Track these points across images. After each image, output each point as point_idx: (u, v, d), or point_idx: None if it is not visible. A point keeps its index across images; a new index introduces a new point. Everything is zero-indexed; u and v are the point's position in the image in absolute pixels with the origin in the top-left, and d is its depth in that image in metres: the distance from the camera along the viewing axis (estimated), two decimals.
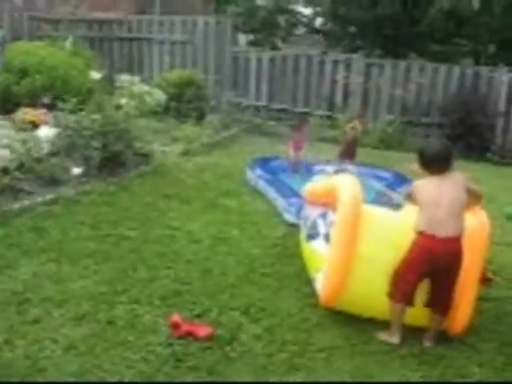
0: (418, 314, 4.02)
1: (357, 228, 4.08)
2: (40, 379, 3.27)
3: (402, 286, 3.94)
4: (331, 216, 4.46)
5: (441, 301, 3.96)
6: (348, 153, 8.01)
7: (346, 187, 4.31)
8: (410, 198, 4.12)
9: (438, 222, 3.83)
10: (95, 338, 3.66)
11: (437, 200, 3.87)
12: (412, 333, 4.01)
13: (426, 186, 3.97)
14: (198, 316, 4.03)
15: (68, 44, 11.21)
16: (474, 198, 4.04)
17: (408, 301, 3.94)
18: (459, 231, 3.86)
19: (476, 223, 4.11)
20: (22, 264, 4.61)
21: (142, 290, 4.32)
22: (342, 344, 3.88)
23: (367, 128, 8.79)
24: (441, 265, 3.84)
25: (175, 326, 3.75)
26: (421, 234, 3.90)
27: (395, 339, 3.94)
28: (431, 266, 3.86)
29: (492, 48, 14.07)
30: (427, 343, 3.97)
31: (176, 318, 3.81)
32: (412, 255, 3.92)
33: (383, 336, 3.99)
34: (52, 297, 4.12)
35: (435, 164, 3.95)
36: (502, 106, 11.18)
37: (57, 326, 3.78)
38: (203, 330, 3.75)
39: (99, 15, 12.97)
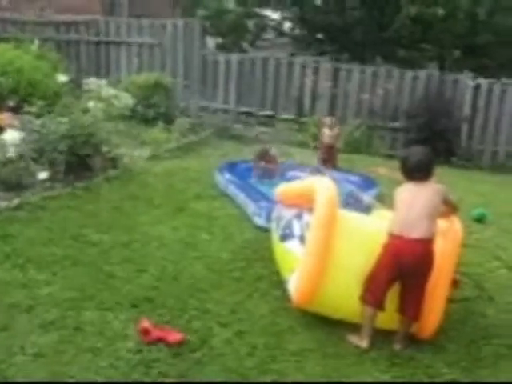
0: (389, 317, 4.05)
1: (332, 230, 4.10)
2: None
3: (373, 290, 3.97)
4: (306, 217, 4.48)
5: (411, 306, 3.99)
6: (328, 158, 8.09)
7: (323, 189, 4.33)
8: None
9: (409, 223, 3.89)
10: (63, 345, 3.61)
11: (410, 203, 3.95)
12: (382, 335, 4.05)
13: (403, 190, 4.08)
14: (168, 322, 3.99)
15: (34, 46, 11.05)
16: (450, 208, 4.15)
17: (379, 305, 3.97)
18: (430, 234, 3.91)
19: (449, 228, 4.18)
20: None
21: (110, 296, 4.27)
22: (313, 347, 3.90)
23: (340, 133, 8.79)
24: (410, 266, 3.88)
25: (145, 331, 3.72)
26: (392, 235, 3.95)
27: (364, 343, 3.96)
28: (401, 267, 3.89)
29: (457, 53, 14.31)
30: (397, 346, 4.01)
31: (146, 323, 3.78)
32: (383, 257, 3.97)
33: (353, 339, 4.01)
34: (19, 303, 4.04)
35: (415, 172, 4.04)
36: (466, 110, 11.37)
37: (24, 333, 3.71)
38: (173, 336, 3.72)
39: (66, 17, 12.80)
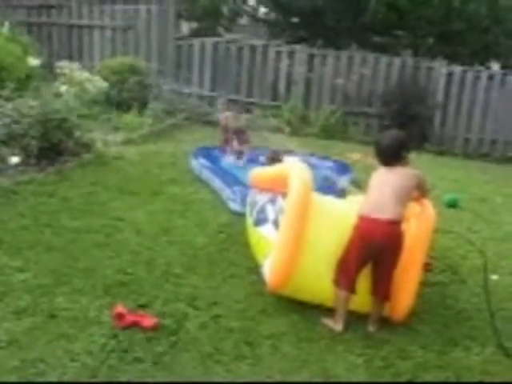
0: (363, 300, 4.08)
1: (306, 215, 4.10)
2: None
3: (345, 272, 4.00)
4: (280, 202, 4.48)
5: (381, 286, 4.05)
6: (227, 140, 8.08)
7: (297, 174, 4.32)
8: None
9: (379, 204, 3.93)
10: (37, 332, 3.56)
11: (382, 184, 4.00)
12: (357, 318, 4.08)
13: (378, 173, 4.11)
14: (143, 306, 3.97)
15: (5, 29, 10.83)
16: (422, 193, 4.21)
17: (351, 287, 4.00)
18: (399, 217, 3.94)
19: (421, 212, 4.22)
20: None
21: (84, 281, 4.23)
22: (288, 331, 3.91)
23: (239, 117, 8.55)
24: (380, 247, 3.91)
25: (119, 316, 3.69)
26: (361, 217, 4.00)
27: (338, 326, 3.99)
28: (371, 248, 3.93)
29: (430, 40, 14.36)
30: (371, 328, 4.05)
31: (120, 308, 3.75)
32: (353, 239, 4.00)
33: (327, 322, 4.04)
34: None
35: (383, 156, 4.08)
36: (440, 97, 11.46)
37: None
38: (148, 321, 3.70)
39: (38, 0, 12.56)
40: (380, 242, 3.91)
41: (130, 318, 3.68)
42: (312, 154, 8.22)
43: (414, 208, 4.22)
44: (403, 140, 4.16)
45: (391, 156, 4.06)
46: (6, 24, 11.10)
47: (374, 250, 3.95)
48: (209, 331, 3.78)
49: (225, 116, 8.33)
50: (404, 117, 10.71)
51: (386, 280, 4.04)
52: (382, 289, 4.05)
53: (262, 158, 7.14)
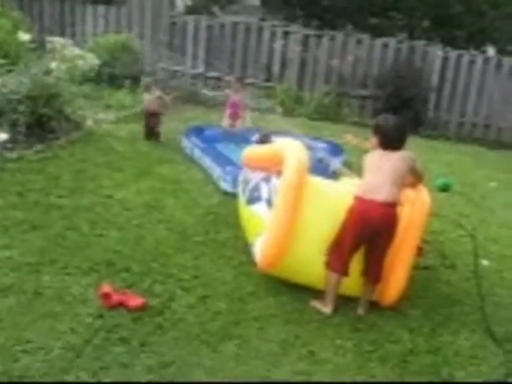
0: (352, 283, 4.05)
1: (301, 194, 4.04)
2: None
3: (338, 254, 3.96)
4: (275, 180, 4.42)
5: (374, 268, 4.02)
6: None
7: (293, 152, 4.24)
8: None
9: (375, 186, 3.90)
10: (22, 310, 3.51)
11: (377, 167, 3.96)
12: (346, 301, 4.05)
13: (373, 155, 4.06)
14: (130, 286, 3.93)
15: None
16: (416, 177, 4.16)
17: (344, 270, 3.96)
18: (394, 199, 3.91)
19: (416, 197, 4.17)
20: None
21: (71, 260, 4.18)
22: (276, 312, 3.88)
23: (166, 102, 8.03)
24: (374, 228, 3.88)
25: (105, 296, 3.65)
26: (357, 198, 3.96)
27: (327, 309, 3.96)
28: (365, 229, 3.89)
29: (426, 23, 14.26)
30: (360, 311, 4.03)
31: (106, 288, 3.70)
32: (348, 221, 3.96)
33: (316, 304, 4.01)
34: None
35: (394, 142, 4.01)
36: (435, 80, 11.39)
37: None
38: (135, 300, 3.66)
39: None
40: (375, 224, 3.88)
41: (116, 298, 3.63)
42: (304, 135, 8.15)
43: (408, 193, 4.17)
44: (405, 124, 4.16)
45: (398, 140, 4.02)
46: None
47: (368, 232, 3.91)
48: (196, 312, 3.74)
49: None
50: (398, 99, 10.63)
51: (379, 262, 4.01)
52: (375, 271, 4.03)
53: (253, 138, 7.06)
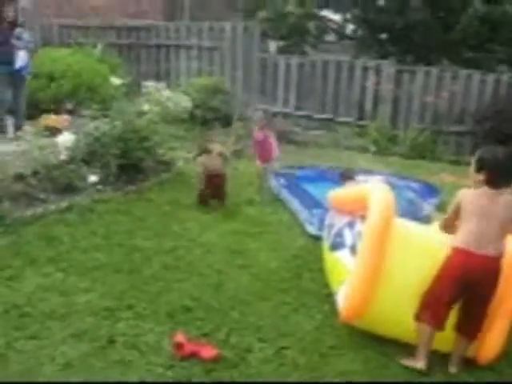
0: (445, 338, 3.69)
1: (386, 241, 3.78)
2: None
3: (433, 308, 3.62)
4: (359, 226, 4.19)
5: (471, 324, 3.65)
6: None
7: (379, 196, 4.01)
8: (454, 207, 3.70)
9: (481, 237, 3.51)
10: (94, 357, 3.45)
11: (486, 212, 3.52)
12: (436, 357, 3.70)
13: (479, 196, 3.58)
14: (206, 335, 3.78)
15: (97, 51, 11.17)
16: None
17: (439, 324, 3.62)
18: (501, 251, 3.53)
19: None
20: (27, 274, 4.46)
21: (148, 306, 4.10)
22: (359, 369, 3.60)
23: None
24: (476, 284, 3.52)
25: (179, 345, 3.52)
26: (458, 249, 3.58)
27: (421, 365, 3.62)
28: (466, 284, 3.54)
29: None
30: (452, 369, 3.66)
31: (180, 337, 3.58)
32: (445, 272, 3.61)
33: (407, 362, 3.67)
34: (54, 311, 3.94)
35: (499, 177, 3.57)
36: None
37: (56, 342, 3.59)
38: (208, 351, 3.50)
39: (128, 22, 12.90)
40: (478, 278, 3.51)
41: (189, 348, 3.49)
42: (394, 175, 7.82)
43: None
44: None
45: (508, 176, 3.59)
46: (99, 46, 11.48)
47: (469, 286, 3.55)
48: (273, 366, 3.53)
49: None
50: (498, 135, 10.04)
51: (478, 318, 3.64)
52: (472, 327, 3.65)
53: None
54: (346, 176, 6.13)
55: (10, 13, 7.74)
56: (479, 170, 3.60)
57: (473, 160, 3.69)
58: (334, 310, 4.12)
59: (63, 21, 12.68)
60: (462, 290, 3.57)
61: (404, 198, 6.17)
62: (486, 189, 3.57)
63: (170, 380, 3.19)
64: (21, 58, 7.93)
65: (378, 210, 3.87)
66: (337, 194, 5.14)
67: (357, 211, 4.34)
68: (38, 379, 3.22)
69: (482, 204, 3.55)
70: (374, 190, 4.14)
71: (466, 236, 3.56)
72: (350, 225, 4.40)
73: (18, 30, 7.88)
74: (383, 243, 3.77)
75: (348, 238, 4.32)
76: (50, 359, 3.40)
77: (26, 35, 7.99)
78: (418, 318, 3.67)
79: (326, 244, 4.75)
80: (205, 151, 6.59)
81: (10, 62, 7.79)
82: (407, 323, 3.72)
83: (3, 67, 7.71)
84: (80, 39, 12.01)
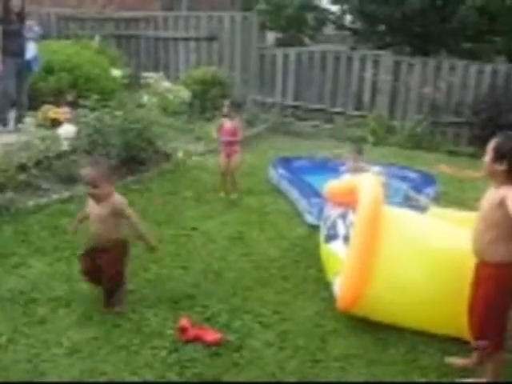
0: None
1: (376, 230, 3.86)
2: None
3: (493, 336, 3.28)
4: (351, 216, 4.27)
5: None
6: None
7: (367, 187, 4.10)
8: (498, 207, 3.11)
9: None
10: (100, 341, 3.53)
11: None
12: (431, 341, 3.78)
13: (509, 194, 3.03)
14: (208, 319, 3.86)
15: (95, 43, 11.21)
16: None
17: (501, 346, 3.31)
18: None
19: None
20: (33, 262, 4.53)
21: (151, 292, 4.18)
22: (358, 352, 3.67)
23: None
24: None
25: (182, 330, 3.60)
26: (503, 265, 3.16)
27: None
28: None
29: None
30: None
31: (184, 321, 3.65)
32: (494, 292, 3.20)
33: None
34: (59, 297, 4.01)
35: None
36: None
37: (62, 327, 3.67)
38: (211, 335, 3.58)
39: (126, 14, 12.91)
40: None
41: (192, 332, 3.57)
42: (392, 165, 7.90)
43: None
44: None
45: None
46: (97, 37, 11.52)
47: None
48: (274, 349, 3.61)
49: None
50: (495, 126, 10.11)
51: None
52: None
53: (342, 168, 6.88)
54: (357, 151, 6.36)
55: (16, 3, 7.73)
56: (500, 159, 3.17)
57: (489, 148, 3.25)
58: (333, 296, 4.20)
59: (60, 10, 12.65)
60: None
61: (400, 194, 6.28)
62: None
63: (172, 378, 3.26)
64: (31, 50, 7.96)
65: (365, 200, 3.97)
66: (331, 186, 5.21)
67: (349, 203, 4.42)
68: (45, 364, 3.29)
69: None
70: (363, 183, 4.24)
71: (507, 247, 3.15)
72: (343, 216, 4.49)
73: (28, 22, 7.90)
74: (373, 232, 3.84)
75: (341, 228, 4.41)
76: (56, 343, 3.48)
77: (36, 27, 8.01)
78: (481, 349, 3.34)
79: (321, 236, 4.84)
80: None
81: (21, 53, 7.82)
82: (402, 308, 3.80)
83: (14, 58, 7.73)
84: (78, 31, 12.03)
